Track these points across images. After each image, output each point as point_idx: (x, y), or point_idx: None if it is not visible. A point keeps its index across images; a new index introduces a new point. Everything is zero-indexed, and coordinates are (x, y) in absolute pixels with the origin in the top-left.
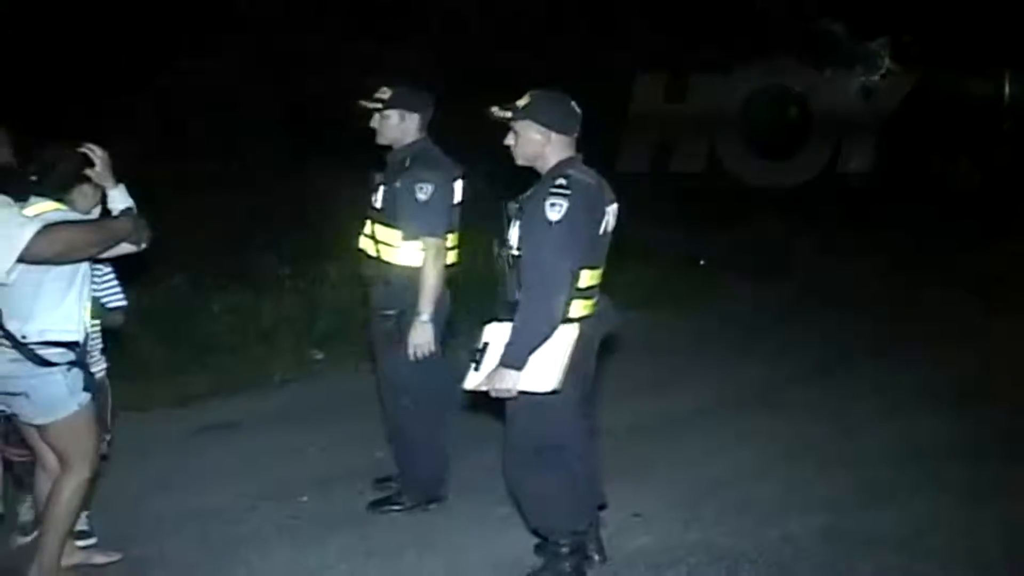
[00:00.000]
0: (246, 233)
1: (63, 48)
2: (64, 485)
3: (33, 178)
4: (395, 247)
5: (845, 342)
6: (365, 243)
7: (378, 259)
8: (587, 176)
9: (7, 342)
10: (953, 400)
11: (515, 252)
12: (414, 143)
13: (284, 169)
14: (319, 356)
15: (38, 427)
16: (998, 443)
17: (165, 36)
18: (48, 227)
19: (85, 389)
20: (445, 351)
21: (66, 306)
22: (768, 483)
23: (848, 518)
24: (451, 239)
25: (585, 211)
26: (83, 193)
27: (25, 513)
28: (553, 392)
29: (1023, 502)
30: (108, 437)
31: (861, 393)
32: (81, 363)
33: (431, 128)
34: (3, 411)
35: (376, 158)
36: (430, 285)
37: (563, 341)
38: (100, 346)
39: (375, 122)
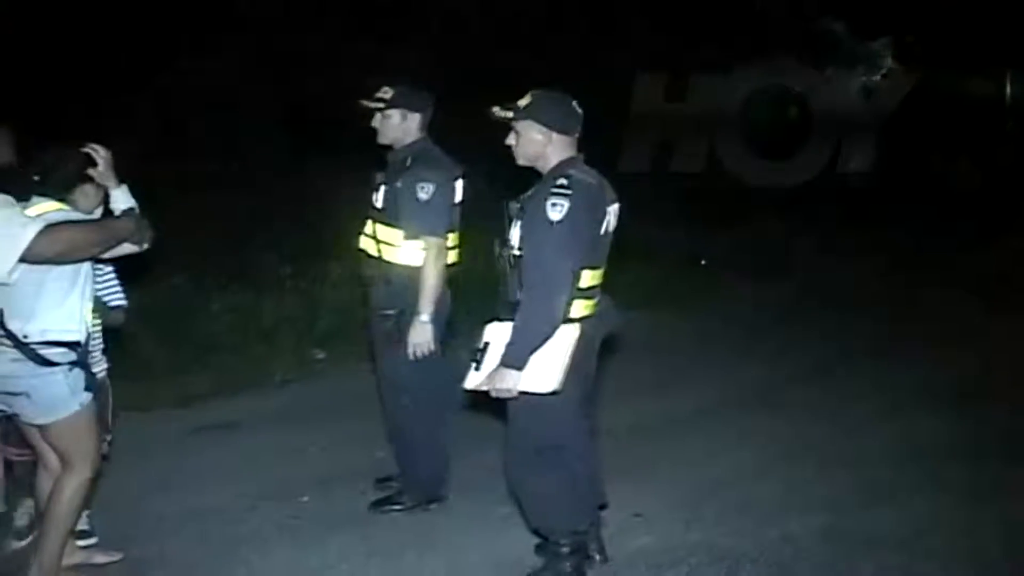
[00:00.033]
0: (246, 233)
1: (63, 48)
2: (65, 484)
3: (36, 178)
4: (396, 247)
5: (845, 342)
6: (366, 243)
7: (379, 259)
8: (588, 176)
9: (8, 342)
10: (953, 400)
11: (516, 252)
12: (415, 143)
13: (284, 169)
14: (320, 356)
15: (39, 427)
16: (998, 443)
17: (165, 36)
18: (50, 227)
19: (87, 389)
20: (445, 351)
21: (68, 306)
22: (769, 483)
23: (848, 518)
24: (452, 239)
25: (586, 211)
26: (85, 193)
27: (20, 518)
28: (553, 393)
29: (1023, 502)
30: (109, 437)
31: (861, 393)
32: (83, 363)
33: (431, 128)
34: (4, 411)
35: (377, 158)
36: (430, 285)
37: (564, 341)
38: (101, 346)
39: (376, 122)
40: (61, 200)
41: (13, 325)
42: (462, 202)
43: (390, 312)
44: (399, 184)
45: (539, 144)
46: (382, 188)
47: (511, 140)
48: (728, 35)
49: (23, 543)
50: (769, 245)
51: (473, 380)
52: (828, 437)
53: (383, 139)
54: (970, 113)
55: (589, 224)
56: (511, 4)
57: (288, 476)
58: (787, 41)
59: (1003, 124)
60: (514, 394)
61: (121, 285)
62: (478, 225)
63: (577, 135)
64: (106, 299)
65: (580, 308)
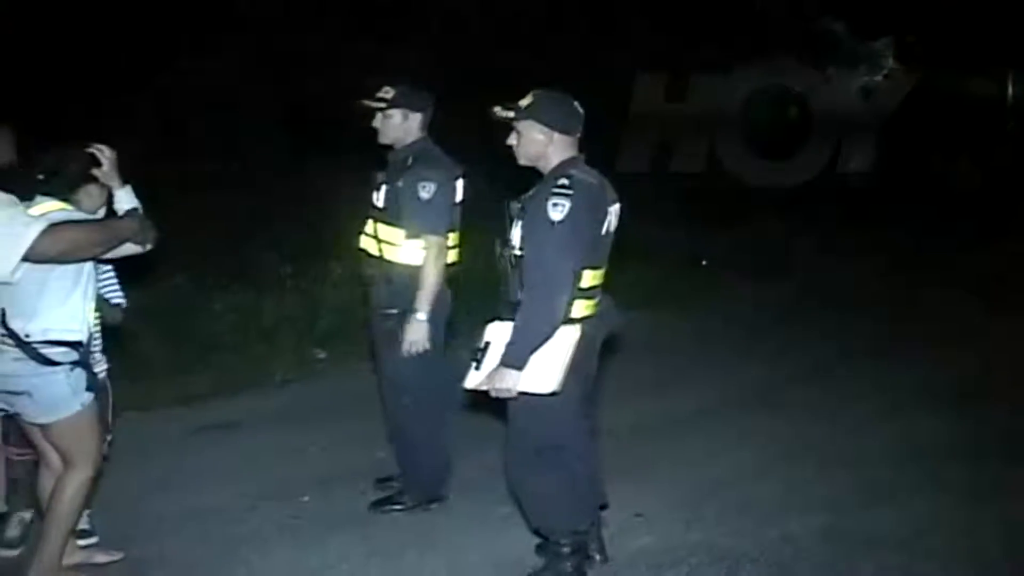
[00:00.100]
0: (247, 233)
1: (63, 48)
2: (67, 484)
3: (40, 177)
4: (397, 246)
5: (845, 342)
6: (367, 242)
7: (380, 258)
8: (589, 176)
9: (10, 341)
10: (953, 400)
11: (517, 252)
12: (416, 142)
13: (284, 169)
14: (321, 356)
15: (41, 426)
16: (998, 443)
17: (165, 36)
18: (53, 226)
19: (88, 389)
20: (446, 350)
21: (70, 305)
22: (769, 483)
23: (848, 518)
24: (452, 238)
25: (587, 211)
26: (89, 193)
27: (12, 528)
28: (553, 394)
29: (1023, 502)
30: (109, 437)
31: (861, 393)
32: (84, 363)
33: (431, 128)
34: (6, 410)
35: (377, 158)
36: (429, 283)
37: (564, 342)
38: (100, 345)
39: (377, 122)
40: (65, 200)
41: (15, 324)
42: (462, 202)
43: (391, 311)
44: (400, 184)
45: (540, 144)
46: (383, 188)
47: (512, 140)
48: (728, 35)
49: (15, 552)
50: (769, 245)
51: (473, 380)
52: (828, 437)
53: (384, 139)
54: (971, 113)
55: (590, 224)
56: (511, 4)
57: (288, 476)
58: (787, 41)
59: (1004, 124)
60: (514, 394)
61: (120, 284)
62: (478, 225)
63: (578, 135)
64: (105, 297)
65: (581, 308)
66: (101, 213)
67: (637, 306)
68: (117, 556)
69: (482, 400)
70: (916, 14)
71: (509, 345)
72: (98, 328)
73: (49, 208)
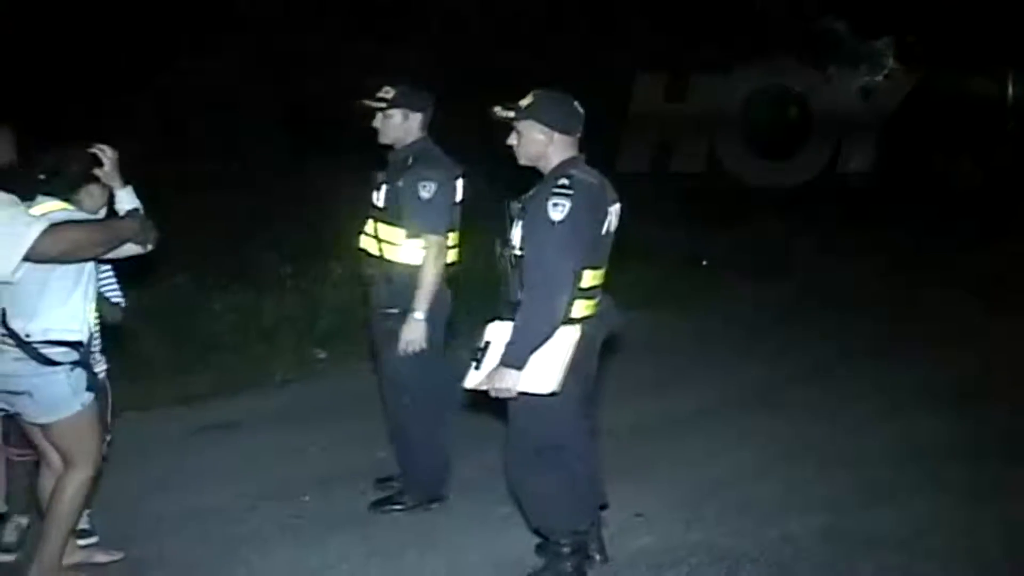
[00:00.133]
0: (247, 233)
1: (63, 48)
2: (67, 483)
3: (41, 177)
4: (398, 246)
5: (845, 342)
6: (367, 242)
7: (381, 258)
8: (590, 176)
9: (11, 341)
10: (953, 400)
11: (517, 252)
12: (416, 142)
13: (284, 169)
14: (321, 355)
15: (41, 426)
16: (998, 443)
17: (165, 36)
18: (54, 226)
19: (88, 389)
20: (446, 350)
21: (71, 305)
22: (769, 483)
23: (848, 518)
24: (452, 238)
25: (588, 211)
26: (91, 193)
27: (8, 534)
28: (553, 394)
29: (1023, 502)
30: (108, 438)
31: (861, 393)
32: (85, 363)
33: (431, 128)
34: (6, 410)
35: (377, 157)
36: (428, 282)
37: (565, 343)
38: (99, 346)
39: (378, 122)
40: (66, 200)
41: (16, 324)
42: (462, 201)
43: (392, 311)
44: (401, 183)
45: (541, 144)
46: (383, 187)
47: (513, 140)
48: (728, 35)
49: (11, 557)
50: (769, 245)
51: (473, 379)
52: (828, 437)
53: (384, 139)
54: (971, 113)
55: (590, 224)
56: (511, 4)
57: (289, 476)
58: (787, 41)
59: (1004, 124)
60: (513, 394)
61: (119, 284)
62: (478, 225)
63: (579, 135)
64: (105, 296)
65: (581, 308)
66: (102, 213)
67: (637, 306)
68: (117, 556)
69: (482, 400)
70: (916, 14)
71: (509, 345)
72: (97, 328)
73: (50, 208)
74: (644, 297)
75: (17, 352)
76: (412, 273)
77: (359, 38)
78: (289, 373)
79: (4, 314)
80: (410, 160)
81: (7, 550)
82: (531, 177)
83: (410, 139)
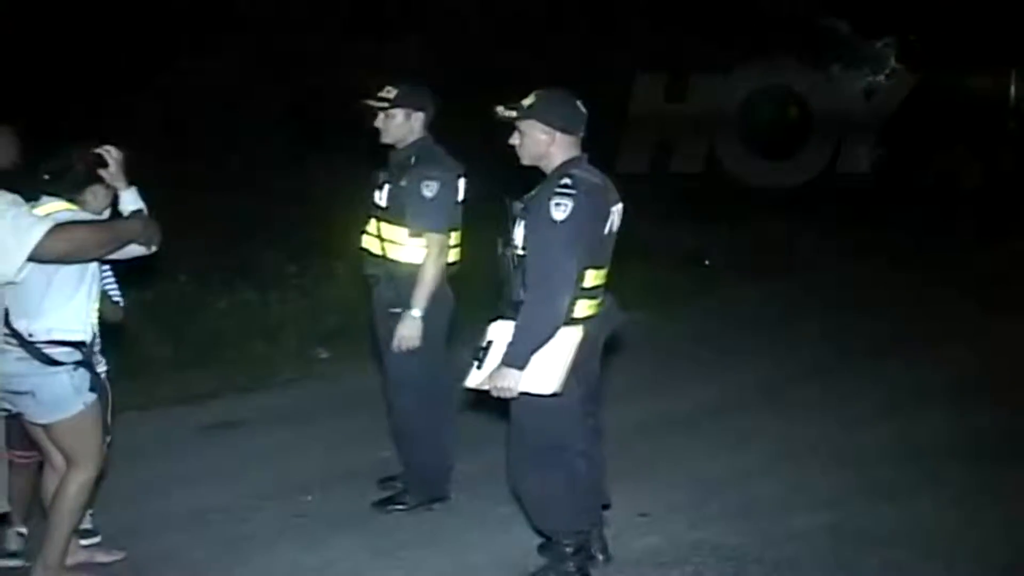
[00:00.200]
0: (248, 232)
1: (63, 48)
2: (69, 483)
3: (46, 177)
4: (401, 245)
5: (845, 342)
6: (369, 242)
7: (384, 257)
8: (592, 176)
9: (14, 341)
10: (953, 400)
11: (520, 252)
12: (418, 141)
13: (285, 168)
14: (324, 355)
15: (44, 426)
16: (998, 442)
17: (165, 36)
18: (59, 227)
19: (91, 389)
20: (448, 349)
21: (74, 305)
22: (770, 482)
23: (851, 516)
24: (454, 237)
25: (590, 211)
26: (95, 194)
27: (12, 542)
28: (554, 395)
29: (1023, 502)
30: (108, 438)
31: (862, 392)
32: (88, 363)
33: (432, 127)
34: (9, 410)
35: (377, 156)
36: (428, 281)
37: (567, 343)
38: (99, 347)
39: (380, 121)
40: (71, 200)
41: (19, 324)
42: (464, 201)
43: (396, 311)
44: (403, 183)
45: (543, 144)
46: (385, 187)
47: (515, 140)
48: (728, 35)
49: (18, 562)
50: (769, 245)
51: (474, 378)
52: (829, 436)
53: (386, 138)
54: (973, 113)
55: (593, 224)
56: (511, 4)
57: (291, 475)
58: (787, 41)
59: (1006, 124)
60: (514, 394)
61: (119, 283)
62: (478, 224)
63: (581, 135)
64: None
65: (583, 308)
66: (106, 214)
67: (637, 306)
68: (119, 555)
69: (484, 399)
70: (918, 14)
71: (510, 345)
72: (98, 328)
73: (55, 208)
74: (644, 297)
75: (20, 352)
76: (415, 272)
77: (359, 38)
78: (292, 372)
79: (7, 314)
80: (412, 159)
81: (13, 556)
82: (532, 177)
83: (412, 138)
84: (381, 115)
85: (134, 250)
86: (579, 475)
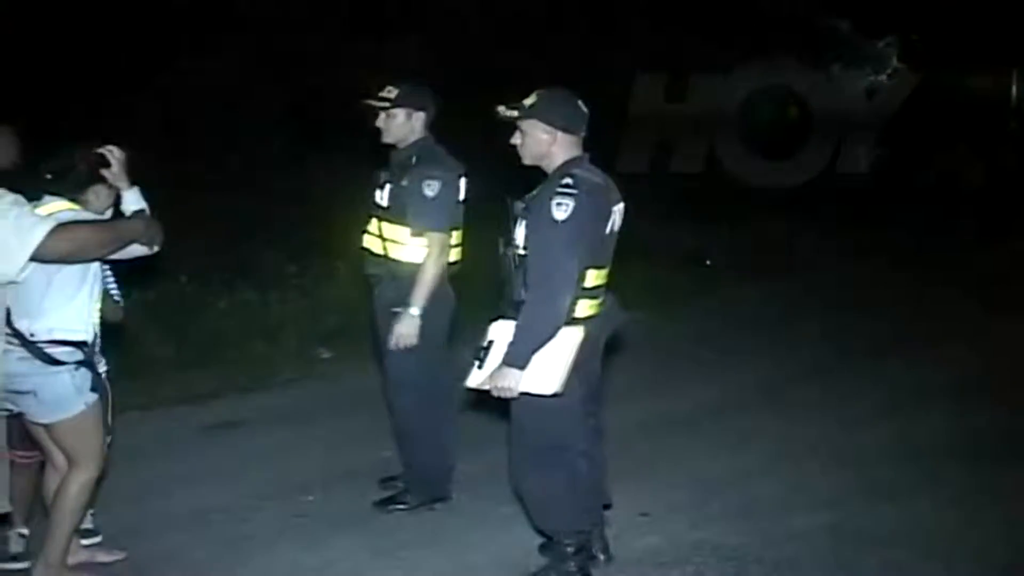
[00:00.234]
0: (249, 232)
1: (63, 48)
2: (71, 483)
3: (48, 177)
4: (403, 244)
5: (845, 342)
6: (371, 241)
7: (385, 257)
8: (593, 175)
9: (16, 340)
10: (954, 399)
11: (521, 251)
12: (419, 141)
13: (286, 168)
14: (325, 355)
15: (45, 426)
16: (999, 442)
17: (165, 36)
18: (61, 226)
19: (92, 389)
20: (449, 349)
21: (76, 305)
22: (771, 482)
23: (852, 516)
24: (455, 236)
25: (591, 210)
26: (97, 193)
27: (15, 544)
28: (555, 395)
29: (1023, 502)
30: (108, 439)
31: (862, 392)
32: (89, 363)
33: (433, 127)
34: (10, 409)
35: (377, 155)
36: (427, 279)
37: (568, 343)
38: (99, 346)
39: (381, 121)
40: (73, 200)
41: (20, 324)
42: (465, 200)
43: (398, 310)
44: (405, 182)
45: (544, 143)
46: (387, 186)
47: (516, 139)
48: (728, 35)
49: (23, 564)
50: (769, 245)
51: (475, 378)
52: (829, 436)
53: (388, 138)
54: (974, 113)
55: (594, 223)
56: (511, 4)
57: (292, 475)
58: (787, 41)
59: (1007, 124)
60: (515, 393)
61: (120, 283)
62: (479, 224)
63: (583, 134)
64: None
65: (585, 308)
66: (108, 214)
67: (638, 306)
68: (120, 555)
69: (485, 399)
70: (920, 13)
71: (511, 344)
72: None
73: (57, 208)
74: (645, 297)
75: (22, 352)
76: (417, 272)
77: (359, 38)
78: (292, 372)
79: (8, 314)
80: (414, 159)
81: (16, 558)
82: (533, 176)
83: (413, 138)
84: (382, 115)
85: (136, 250)
86: (580, 475)
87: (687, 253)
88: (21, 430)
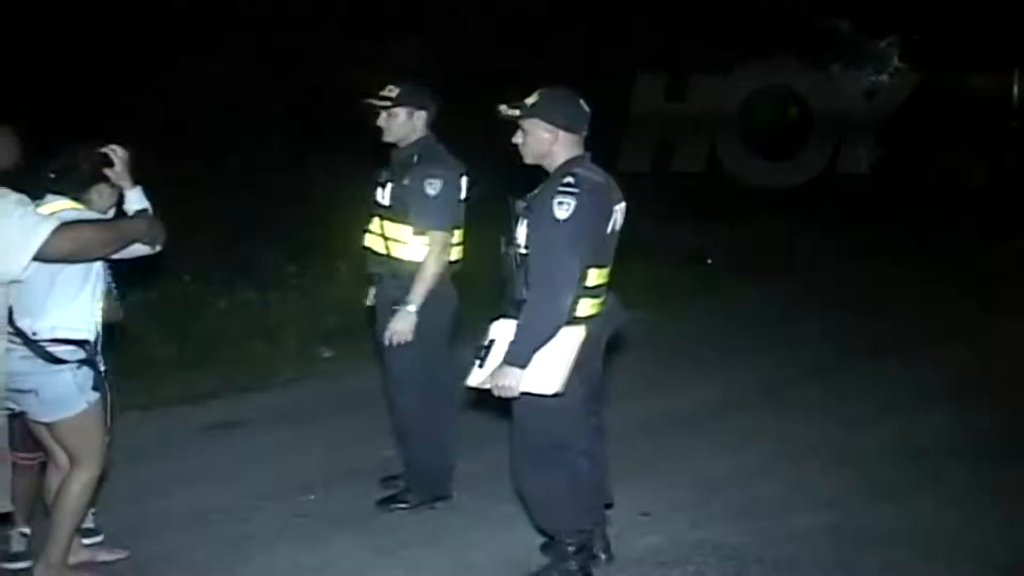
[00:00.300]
0: (249, 232)
1: (64, 48)
2: (72, 482)
3: (51, 176)
4: (405, 243)
5: (845, 342)
6: (372, 240)
7: (387, 256)
8: (595, 174)
9: (18, 339)
10: (955, 399)
11: (522, 250)
12: (420, 140)
13: (286, 167)
14: (326, 354)
15: (47, 424)
16: (999, 442)
17: (165, 36)
18: (64, 225)
19: (94, 388)
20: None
21: (78, 304)
22: (771, 482)
23: (852, 516)
24: (456, 235)
25: (593, 209)
26: (100, 192)
27: (17, 543)
28: (556, 395)
29: (1023, 502)
30: (107, 439)
31: (862, 392)
32: (91, 361)
33: (433, 127)
34: (12, 408)
35: (378, 155)
36: (427, 277)
37: (569, 343)
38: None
39: (382, 120)
40: (76, 199)
41: (23, 323)
42: (467, 199)
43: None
44: (406, 181)
45: (546, 142)
46: (388, 185)
47: (518, 138)
48: (728, 35)
49: (26, 564)
50: (770, 245)
51: (476, 377)
52: (829, 436)
53: (389, 137)
54: (975, 112)
55: (596, 222)
56: (511, 4)
57: (293, 475)
58: (787, 41)
59: (1008, 124)
60: (516, 393)
61: (121, 282)
62: (480, 223)
63: (584, 133)
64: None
65: (586, 307)
66: (111, 213)
67: (639, 305)
68: (122, 554)
69: (486, 398)
70: (921, 13)
71: (512, 343)
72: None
73: (60, 207)
74: (646, 296)
75: (24, 350)
76: (418, 271)
77: (359, 38)
78: (292, 372)
79: (11, 312)
80: (415, 158)
81: (15, 559)
82: (534, 176)
83: (415, 137)
84: (383, 114)
85: (138, 249)
86: (582, 474)
87: (688, 252)
88: (23, 431)
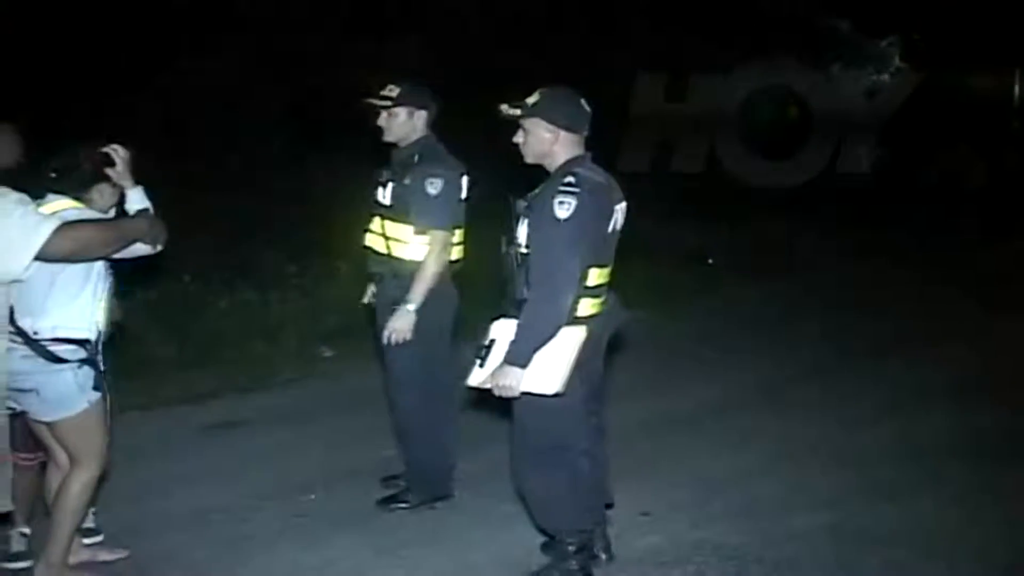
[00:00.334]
0: (250, 232)
1: (64, 48)
2: (73, 482)
3: (52, 175)
4: (406, 243)
5: (845, 342)
6: (373, 240)
7: (388, 255)
8: (596, 174)
9: (19, 339)
10: (954, 399)
11: (523, 250)
12: (420, 139)
13: (286, 167)
14: (327, 354)
15: (48, 424)
16: (999, 442)
17: (165, 36)
18: (65, 225)
19: (95, 388)
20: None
21: (79, 303)
22: (772, 482)
23: (852, 516)
24: (457, 235)
25: (594, 209)
26: (101, 192)
27: (17, 543)
28: (556, 395)
29: (1023, 502)
30: (108, 439)
31: (862, 392)
32: (92, 361)
33: (434, 126)
34: (13, 408)
35: (378, 155)
36: (427, 276)
37: (570, 343)
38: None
39: (382, 120)
40: (77, 198)
41: (23, 322)
42: (467, 199)
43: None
44: (407, 180)
45: (547, 142)
46: (389, 185)
47: (518, 138)
48: (728, 35)
49: (27, 563)
50: (770, 245)
51: (477, 377)
52: (829, 436)
53: (389, 137)
54: (976, 112)
55: (596, 222)
56: (511, 4)
57: (293, 475)
58: (787, 41)
59: (1009, 123)
60: (516, 392)
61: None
62: (481, 223)
63: (585, 133)
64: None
65: (587, 307)
66: (112, 213)
67: (640, 304)
68: (122, 554)
69: (487, 397)
70: (921, 13)
71: (513, 343)
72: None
73: (61, 206)
74: (647, 296)
75: (25, 350)
76: (419, 270)
77: (359, 38)
78: (292, 372)
79: (12, 312)
80: (416, 157)
81: (15, 559)
82: (535, 175)
83: (415, 136)
84: (384, 114)
85: (140, 249)
86: (582, 474)
87: (688, 252)
88: (23, 432)
